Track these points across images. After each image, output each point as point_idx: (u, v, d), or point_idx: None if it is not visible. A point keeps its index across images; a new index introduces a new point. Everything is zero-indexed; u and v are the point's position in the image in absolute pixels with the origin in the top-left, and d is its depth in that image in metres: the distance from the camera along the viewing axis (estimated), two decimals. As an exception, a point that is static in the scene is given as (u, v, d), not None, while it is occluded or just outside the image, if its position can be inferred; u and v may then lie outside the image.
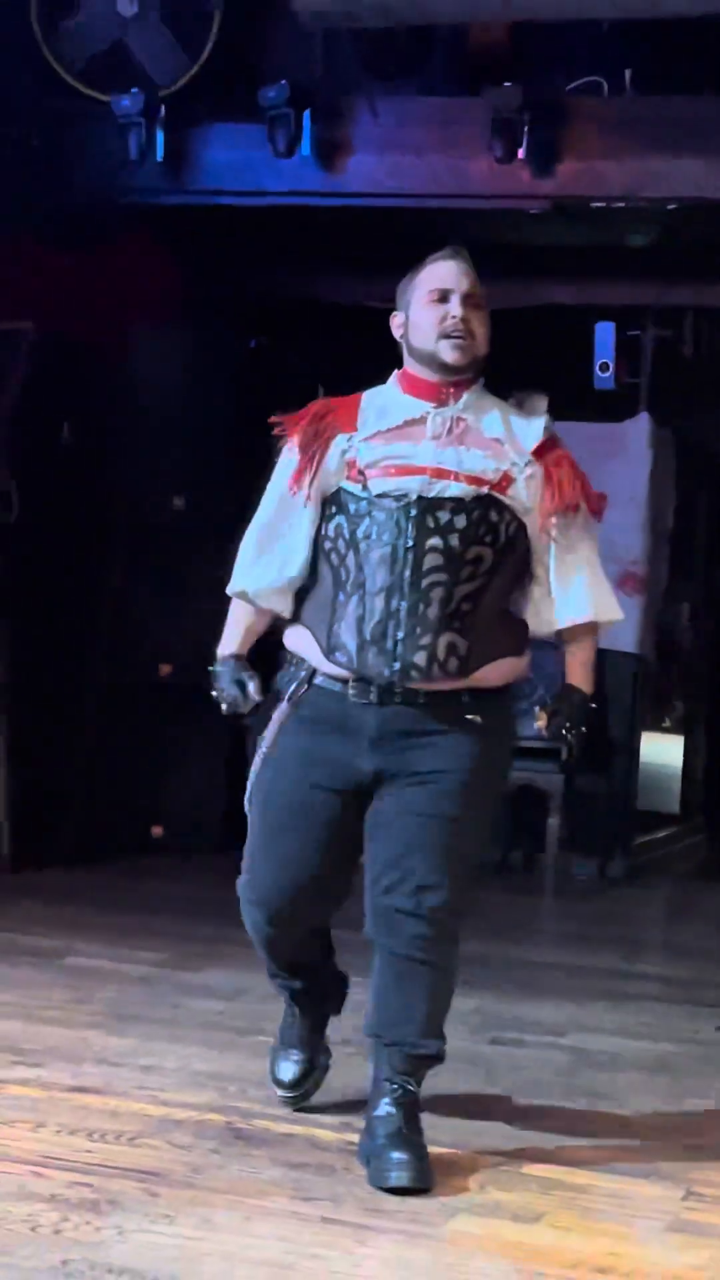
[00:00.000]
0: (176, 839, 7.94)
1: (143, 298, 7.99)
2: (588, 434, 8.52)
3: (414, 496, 3.80)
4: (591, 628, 4.02)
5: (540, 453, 3.91)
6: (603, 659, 8.28)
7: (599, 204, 7.03)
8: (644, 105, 6.83)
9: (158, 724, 7.95)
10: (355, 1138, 4.02)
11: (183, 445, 7.95)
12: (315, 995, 4.30)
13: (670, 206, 6.94)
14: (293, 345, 8.52)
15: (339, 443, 3.91)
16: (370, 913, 3.90)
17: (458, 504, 3.81)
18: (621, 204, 7.01)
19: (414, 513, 3.80)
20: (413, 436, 3.88)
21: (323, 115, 7.05)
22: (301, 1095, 4.29)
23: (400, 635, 3.79)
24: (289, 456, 3.97)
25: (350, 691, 3.85)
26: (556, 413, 9.13)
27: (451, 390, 3.91)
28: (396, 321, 4.02)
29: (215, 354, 8.07)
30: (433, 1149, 3.94)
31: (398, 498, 3.81)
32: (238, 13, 7.16)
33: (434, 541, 3.79)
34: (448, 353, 3.88)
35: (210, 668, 4.13)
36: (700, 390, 9.10)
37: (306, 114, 7.01)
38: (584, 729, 3.99)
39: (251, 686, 4.01)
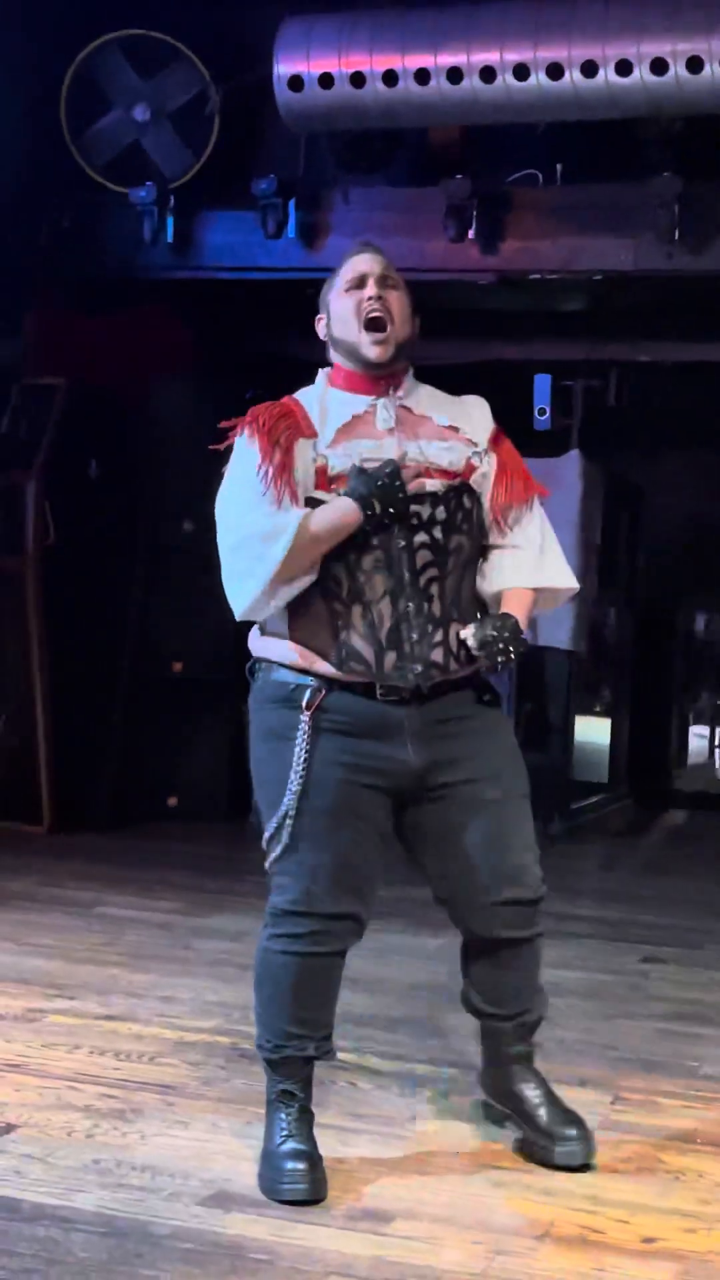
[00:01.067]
0: (189, 808, 7.93)
1: (157, 355, 7.98)
2: (529, 468, 8.56)
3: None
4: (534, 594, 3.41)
5: (495, 442, 3.41)
6: (542, 655, 8.39)
7: (536, 276, 7.02)
8: (573, 193, 6.82)
9: (172, 712, 7.94)
10: (339, 1055, 4.00)
11: (191, 478, 7.87)
12: (310, 1077, 3.38)
13: (596, 277, 6.93)
14: (281, 395, 8.50)
15: (303, 449, 3.27)
16: (468, 910, 3.36)
17: (434, 497, 3.26)
18: (555, 276, 7.00)
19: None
20: (370, 435, 3.29)
21: (305, 203, 7.04)
22: (315, 1188, 3.19)
23: (415, 637, 3.23)
24: (256, 464, 3.27)
25: (379, 692, 3.24)
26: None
27: (388, 381, 3.34)
28: (320, 323, 3.43)
29: (217, 402, 7.97)
30: (404, 1065, 3.95)
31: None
32: (234, 117, 7.15)
33: (421, 537, 3.24)
34: (369, 349, 3.30)
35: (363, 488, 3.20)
36: (622, 431, 9.11)
37: (292, 202, 7.00)
38: (516, 651, 3.29)
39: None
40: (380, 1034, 4.33)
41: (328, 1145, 3.41)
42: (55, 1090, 3.73)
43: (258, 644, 3.38)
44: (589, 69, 5.99)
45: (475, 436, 3.38)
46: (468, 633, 3.28)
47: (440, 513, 3.27)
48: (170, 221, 7.16)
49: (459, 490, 3.31)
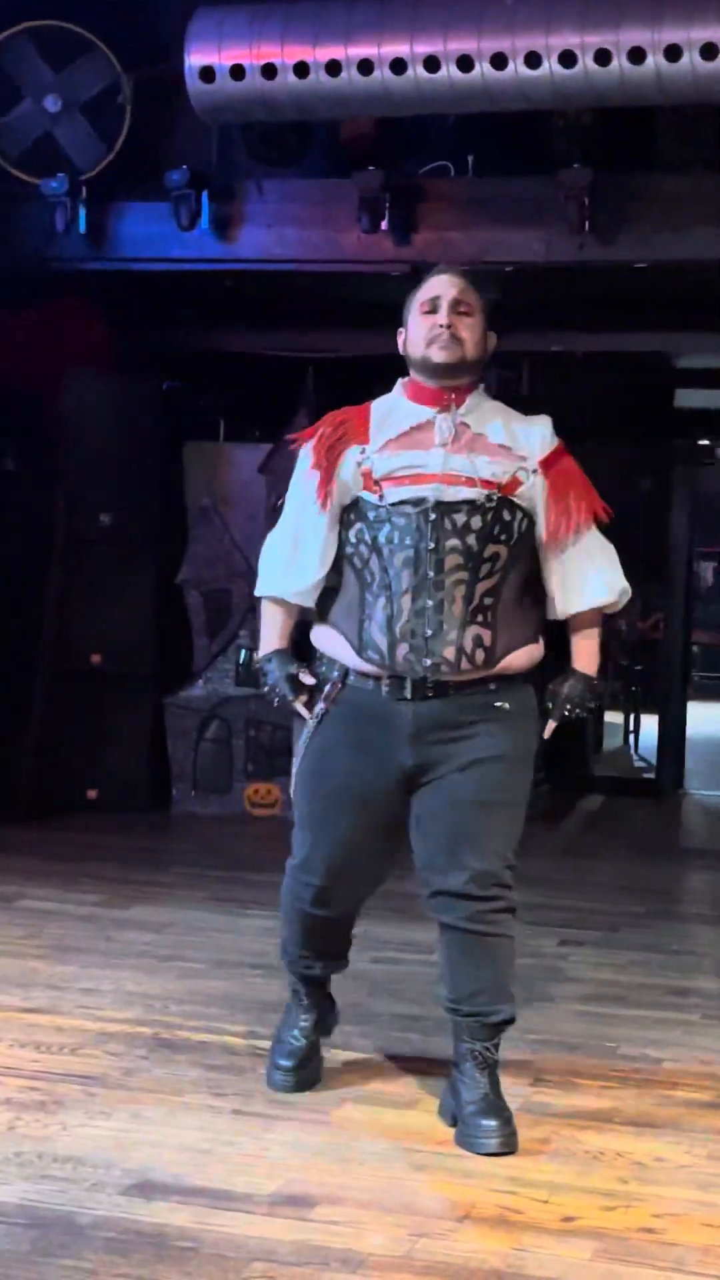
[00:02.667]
0: (109, 800, 7.89)
1: (72, 348, 7.93)
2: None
3: (431, 502, 3.45)
4: (598, 613, 3.63)
5: (548, 464, 3.54)
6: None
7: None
8: (485, 184, 6.84)
9: (91, 704, 7.90)
10: (262, 1044, 4.03)
11: (108, 471, 7.89)
12: (325, 989, 3.83)
13: (508, 269, 6.96)
14: (199, 388, 8.48)
15: (353, 454, 3.54)
16: (428, 896, 3.54)
17: (472, 506, 3.45)
18: (467, 267, 6.99)
19: (432, 516, 3.44)
20: (422, 444, 3.51)
21: (219, 195, 7.01)
22: (300, 1077, 3.73)
23: (429, 632, 3.42)
24: (307, 470, 3.59)
25: (384, 687, 3.48)
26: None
27: (454, 396, 3.54)
28: (400, 338, 3.65)
29: (134, 395, 8.01)
30: (328, 1051, 3.95)
31: (415, 503, 3.46)
32: (146, 109, 7.11)
33: (453, 542, 3.43)
34: (436, 353, 3.52)
35: (256, 665, 3.77)
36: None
37: (205, 194, 6.96)
38: (589, 709, 3.64)
39: (302, 675, 3.64)
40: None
41: (250, 1133, 3.41)
42: (-24, 1084, 3.71)
43: (314, 636, 3.68)
44: (498, 61, 6.00)
45: (527, 455, 3.54)
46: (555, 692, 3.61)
47: (476, 521, 3.46)
48: (83, 212, 7.09)
49: (500, 502, 3.48)
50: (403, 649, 3.44)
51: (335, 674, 3.55)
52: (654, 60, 5.84)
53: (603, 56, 5.89)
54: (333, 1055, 3.95)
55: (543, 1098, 3.79)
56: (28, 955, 4.97)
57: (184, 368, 8.36)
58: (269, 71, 6.25)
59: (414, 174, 6.87)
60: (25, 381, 7.66)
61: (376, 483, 3.50)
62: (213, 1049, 4.05)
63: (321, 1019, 3.84)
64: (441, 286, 3.58)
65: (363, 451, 3.54)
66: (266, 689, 3.71)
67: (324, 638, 3.62)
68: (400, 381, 3.65)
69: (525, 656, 3.54)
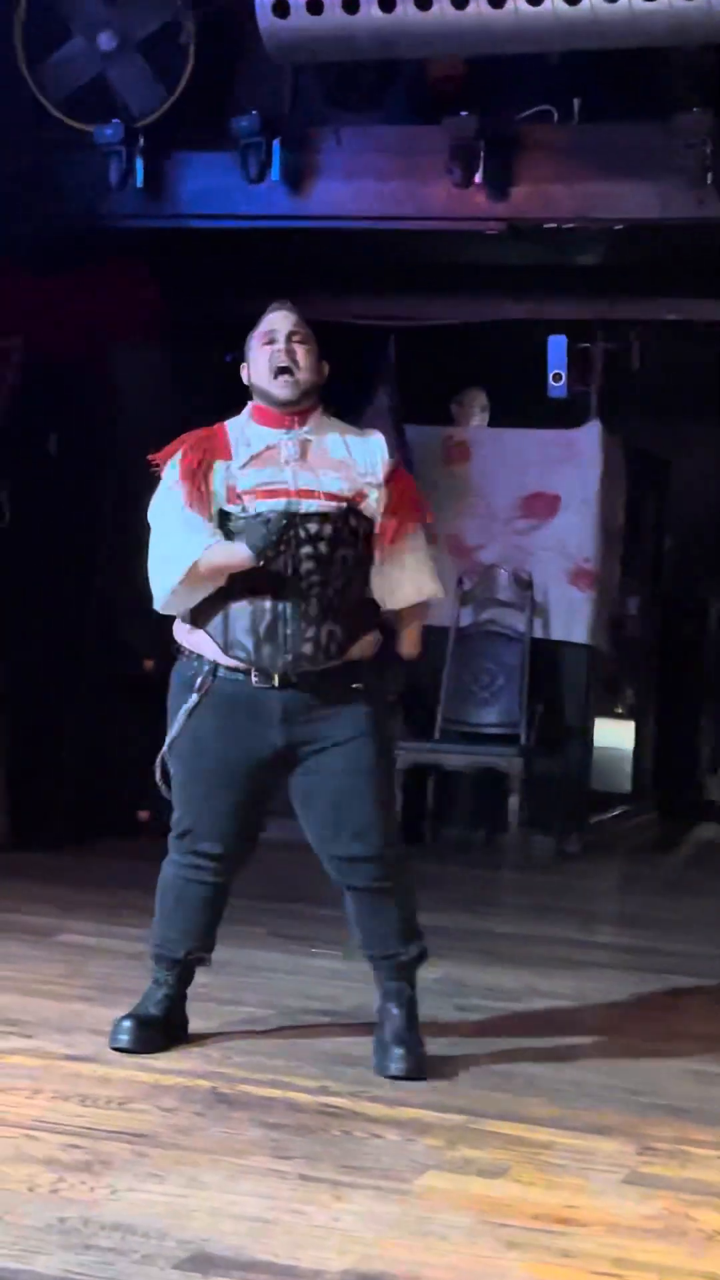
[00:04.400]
0: (162, 822, 7.89)
1: (124, 316, 7.97)
2: (542, 440, 8.58)
3: (285, 514, 4.28)
4: (422, 605, 4.59)
5: (389, 480, 4.41)
6: (557, 650, 8.41)
7: (550, 225, 7.03)
8: (591, 133, 6.82)
9: (143, 714, 7.92)
10: (332, 1100, 4.04)
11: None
12: (188, 974, 4.61)
13: (617, 227, 6.94)
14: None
15: (219, 469, 4.37)
16: (325, 862, 4.45)
17: (323, 517, 4.31)
18: (571, 225, 7.01)
19: (288, 528, 4.28)
20: (274, 461, 4.36)
21: (291, 144, 7.03)
22: (137, 1038, 4.45)
23: (289, 631, 4.29)
24: (174, 481, 4.40)
25: (254, 679, 4.34)
26: (513, 420, 9.15)
27: (296, 418, 4.40)
28: (244, 370, 4.49)
29: (192, 368, 8.04)
30: (403, 1110, 3.95)
31: (274, 516, 4.27)
32: (211, 48, 7.13)
33: (307, 549, 4.29)
34: (278, 390, 4.38)
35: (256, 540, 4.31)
36: (646, 399, 9.12)
37: (276, 142, 6.99)
38: (398, 683, 4.77)
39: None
40: (377, 1076, 4.33)
41: (319, 1201, 3.41)
42: (13, 1140, 3.73)
43: (177, 632, 4.54)
44: (610, -9, 5.97)
45: (366, 471, 4.40)
46: None
47: (327, 529, 4.32)
48: (139, 164, 7.14)
49: (347, 512, 4.36)
50: (267, 647, 4.31)
51: (206, 668, 4.40)
52: (787, -9, 5.79)
53: (728, -14, 5.85)
54: (409, 1116, 3.95)
55: (650, 1169, 3.77)
56: (69, 996, 5.00)
57: (245, 338, 8.39)
58: (350, 4, 6.26)
59: (512, 120, 6.86)
60: (70, 355, 7.71)
61: (239, 496, 4.34)
62: (277, 1105, 4.05)
63: (176, 1012, 4.57)
64: (277, 320, 4.44)
65: (228, 467, 4.37)
66: (256, 549, 4.28)
67: (190, 638, 4.46)
68: (249, 405, 4.50)
69: (368, 643, 4.43)
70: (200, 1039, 4.59)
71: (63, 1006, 4.87)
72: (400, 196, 7.01)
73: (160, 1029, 4.51)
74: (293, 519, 4.30)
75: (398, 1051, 4.33)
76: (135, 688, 7.88)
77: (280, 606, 4.31)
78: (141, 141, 7.14)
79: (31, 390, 7.52)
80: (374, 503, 4.41)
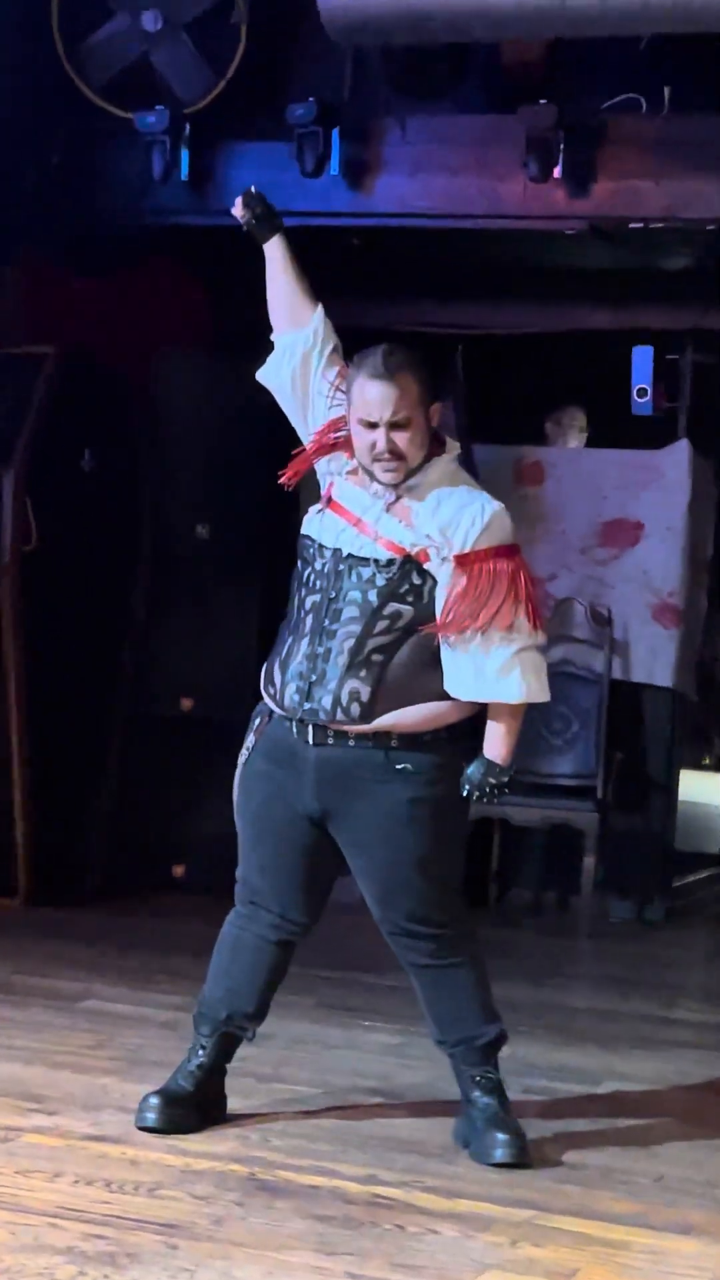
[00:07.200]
0: (199, 878, 7.92)
1: (167, 321, 8.02)
2: (624, 461, 8.56)
3: (345, 552, 4.32)
4: (508, 705, 4.37)
5: (465, 561, 4.27)
6: (638, 694, 8.38)
7: (637, 225, 7.03)
8: (683, 124, 6.82)
9: (180, 759, 7.94)
10: (381, 1190, 4.03)
11: (207, 472, 7.96)
12: (228, 1045, 4.59)
13: (710, 227, 6.93)
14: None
15: (338, 458, 4.47)
16: (386, 937, 4.48)
17: (379, 563, 4.29)
18: (660, 225, 7.00)
19: (341, 566, 4.32)
20: (364, 484, 4.38)
21: (352, 134, 7.06)
22: (166, 1117, 4.44)
23: (314, 678, 4.31)
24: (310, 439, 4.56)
25: (295, 728, 4.37)
26: (593, 439, 9.12)
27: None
28: (344, 411, 4.44)
29: (241, 378, 8.05)
30: (461, 1202, 3.93)
31: (334, 551, 4.33)
32: (265, 29, 7.17)
33: (354, 594, 4.29)
34: (380, 474, 4.33)
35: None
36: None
37: (335, 133, 7.01)
38: (498, 790, 4.38)
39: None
40: (433, 1164, 4.32)
41: (368, 1303, 3.40)
42: (32, 1228, 3.73)
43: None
44: (705, -31, 5.98)
45: (443, 543, 4.28)
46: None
47: (380, 578, 4.29)
48: (185, 155, 7.18)
49: (405, 563, 4.30)
50: (290, 689, 4.36)
51: (265, 710, 4.48)
52: None
53: None
54: (469, 1209, 3.93)
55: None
56: (95, 1069, 5.00)
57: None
58: (418, -18, 6.29)
59: (595, 109, 6.87)
60: (107, 364, 7.76)
61: (327, 499, 4.45)
62: (322, 1195, 4.04)
63: (212, 1088, 4.56)
64: (377, 407, 4.28)
65: (341, 465, 4.46)
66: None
67: (264, 670, 4.51)
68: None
69: (421, 717, 4.31)
70: (238, 1119, 4.58)
71: (88, 1080, 4.88)
72: (471, 193, 7.03)
73: (193, 1106, 4.50)
74: (338, 553, 4.33)
75: (500, 1137, 4.33)
76: (172, 730, 7.91)
77: (313, 649, 4.33)
78: (188, 130, 7.18)
79: (65, 402, 7.55)
80: (439, 568, 4.29)
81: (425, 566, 4.29)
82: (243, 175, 7.23)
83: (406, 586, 4.29)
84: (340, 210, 7.17)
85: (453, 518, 4.29)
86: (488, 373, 8.46)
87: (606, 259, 7.76)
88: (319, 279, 8.20)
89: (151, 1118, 4.43)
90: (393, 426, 4.30)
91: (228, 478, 7.96)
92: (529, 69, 6.99)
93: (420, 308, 8.26)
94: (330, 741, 4.33)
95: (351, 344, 4.53)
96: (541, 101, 6.70)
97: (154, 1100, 4.46)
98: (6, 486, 7.40)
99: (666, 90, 6.85)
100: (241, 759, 4.55)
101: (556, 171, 6.77)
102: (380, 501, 4.34)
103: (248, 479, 7.96)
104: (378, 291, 8.18)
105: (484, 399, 8.44)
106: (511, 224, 7.05)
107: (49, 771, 7.55)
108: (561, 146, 6.73)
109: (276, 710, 4.42)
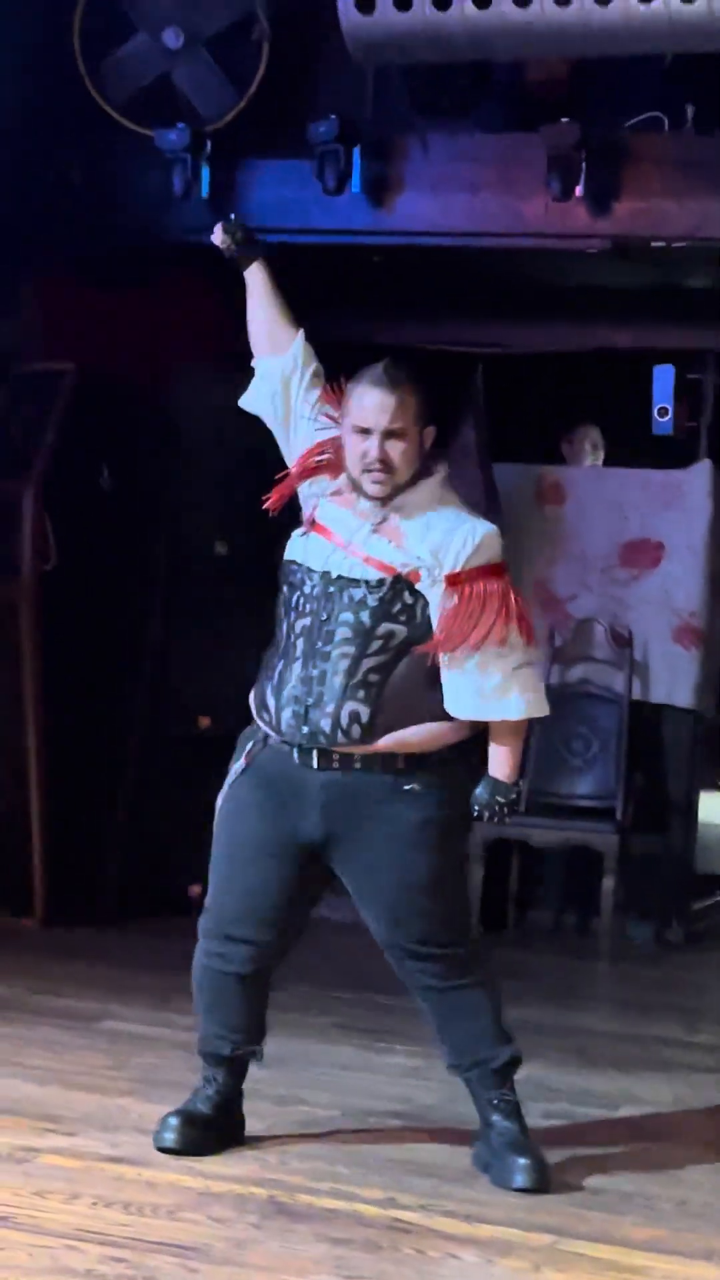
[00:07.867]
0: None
1: (186, 339, 8.02)
2: (645, 481, 8.55)
3: (334, 574, 4.35)
4: (508, 723, 4.42)
5: (456, 580, 4.31)
6: (659, 715, 8.37)
7: (659, 244, 7.03)
8: (706, 143, 6.82)
9: (197, 778, 7.91)
10: (402, 1214, 4.02)
11: (226, 489, 7.96)
12: (239, 1070, 4.61)
13: (733, 247, 6.94)
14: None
15: (320, 481, 4.53)
16: (391, 961, 4.50)
17: (370, 584, 4.32)
18: (683, 244, 7.00)
19: (331, 589, 4.34)
20: (350, 505, 4.42)
21: (373, 152, 7.07)
22: (185, 1138, 4.46)
23: (310, 701, 4.31)
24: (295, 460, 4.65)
25: (295, 754, 4.37)
26: (614, 459, 9.12)
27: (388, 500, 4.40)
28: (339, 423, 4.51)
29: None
30: (482, 1227, 3.93)
31: (323, 574, 4.36)
32: (286, 46, 7.19)
33: (346, 616, 4.31)
34: (368, 486, 4.36)
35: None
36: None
37: (356, 150, 7.02)
38: (507, 809, 4.42)
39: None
40: (453, 1188, 4.31)
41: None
42: (49, 1250, 3.73)
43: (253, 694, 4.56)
44: (729, -13, 6.00)
45: (434, 565, 4.31)
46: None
47: (372, 599, 4.32)
48: (205, 172, 7.19)
49: (396, 583, 4.33)
50: (286, 713, 4.36)
51: (259, 735, 4.47)
52: None
53: None
54: (491, 1234, 3.92)
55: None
56: (113, 1090, 5.01)
57: (324, 363, 8.42)
58: (441, 0, 6.31)
59: (618, 128, 6.88)
60: (126, 381, 7.78)
61: (311, 521, 4.48)
62: (341, 1218, 4.04)
63: (230, 1111, 4.58)
64: (373, 415, 4.34)
65: (324, 487, 4.50)
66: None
67: (251, 699, 4.52)
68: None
69: (423, 737, 4.35)
70: (256, 1141, 4.59)
71: (106, 1101, 4.88)
72: (493, 211, 7.03)
73: (211, 1129, 4.51)
74: (327, 575, 4.36)
75: (521, 1161, 4.34)
76: (189, 748, 7.91)
77: (307, 673, 4.34)
78: (209, 147, 7.18)
79: (83, 419, 7.57)
80: (430, 588, 4.33)
81: (417, 587, 4.32)
82: (264, 193, 7.27)
83: (399, 606, 4.33)
84: (361, 228, 7.18)
85: (444, 540, 4.33)
86: (508, 392, 8.47)
87: (628, 278, 7.77)
88: (339, 296, 8.26)
89: (170, 1138, 4.44)
90: (387, 435, 4.34)
91: (246, 495, 7.94)
92: (551, 87, 7.01)
93: (441, 326, 8.27)
94: (335, 766, 4.35)
95: (369, 362, 4.54)
96: (564, 120, 6.70)
97: (173, 1121, 4.47)
98: (26, 505, 7.41)
99: (690, 109, 6.85)
100: (227, 783, 4.56)
101: (578, 190, 6.78)
102: (367, 523, 4.37)
103: (268, 493, 7.97)
104: (398, 309, 8.19)
105: (504, 418, 8.45)
106: (533, 243, 7.06)
107: (66, 791, 7.56)
108: (584, 165, 6.73)
109: (273, 736, 4.43)
